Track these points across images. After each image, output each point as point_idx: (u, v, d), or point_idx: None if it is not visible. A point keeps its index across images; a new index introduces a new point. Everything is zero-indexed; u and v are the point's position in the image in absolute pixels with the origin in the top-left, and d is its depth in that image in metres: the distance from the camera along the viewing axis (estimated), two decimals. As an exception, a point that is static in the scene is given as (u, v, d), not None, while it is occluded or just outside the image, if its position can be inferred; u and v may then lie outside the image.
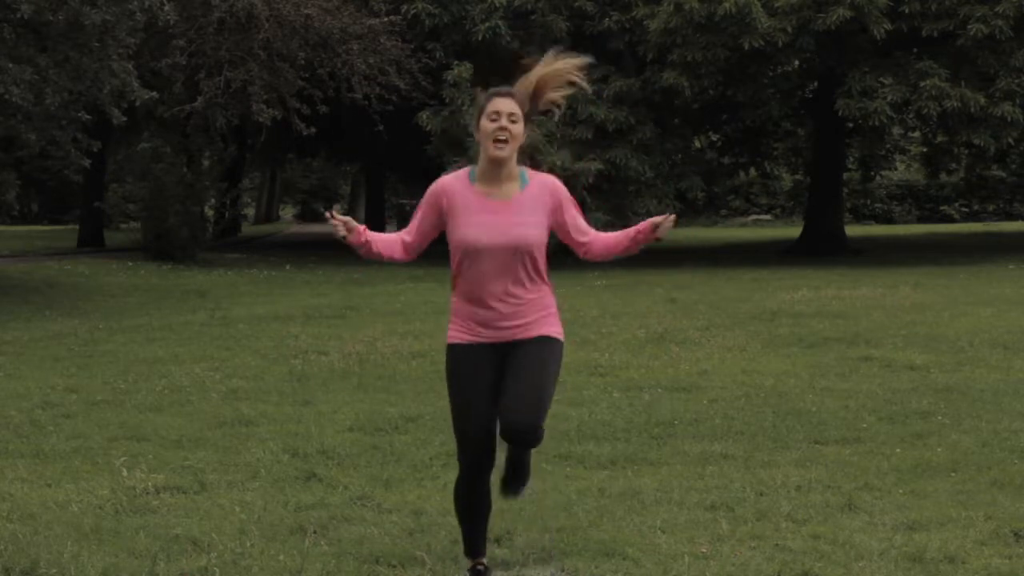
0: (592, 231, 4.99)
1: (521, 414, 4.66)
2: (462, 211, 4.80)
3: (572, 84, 5.00)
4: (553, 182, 4.92)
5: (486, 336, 4.81)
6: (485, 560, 5.05)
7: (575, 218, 4.92)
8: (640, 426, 8.08)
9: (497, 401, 4.76)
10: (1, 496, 6.32)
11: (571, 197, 4.95)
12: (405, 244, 4.95)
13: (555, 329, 4.87)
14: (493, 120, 4.74)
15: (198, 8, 25.18)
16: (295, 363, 11.23)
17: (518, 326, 4.81)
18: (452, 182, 4.87)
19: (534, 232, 4.79)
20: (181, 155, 27.92)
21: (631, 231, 4.94)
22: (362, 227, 4.86)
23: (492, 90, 4.86)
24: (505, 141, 4.74)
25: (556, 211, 4.86)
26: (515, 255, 4.77)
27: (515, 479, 4.92)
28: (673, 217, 4.86)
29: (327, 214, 4.85)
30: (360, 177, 62.04)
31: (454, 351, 4.87)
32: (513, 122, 4.76)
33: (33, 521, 5.80)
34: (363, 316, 15.54)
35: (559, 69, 4.94)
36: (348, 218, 4.84)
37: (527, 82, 4.88)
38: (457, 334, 4.87)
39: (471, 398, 4.81)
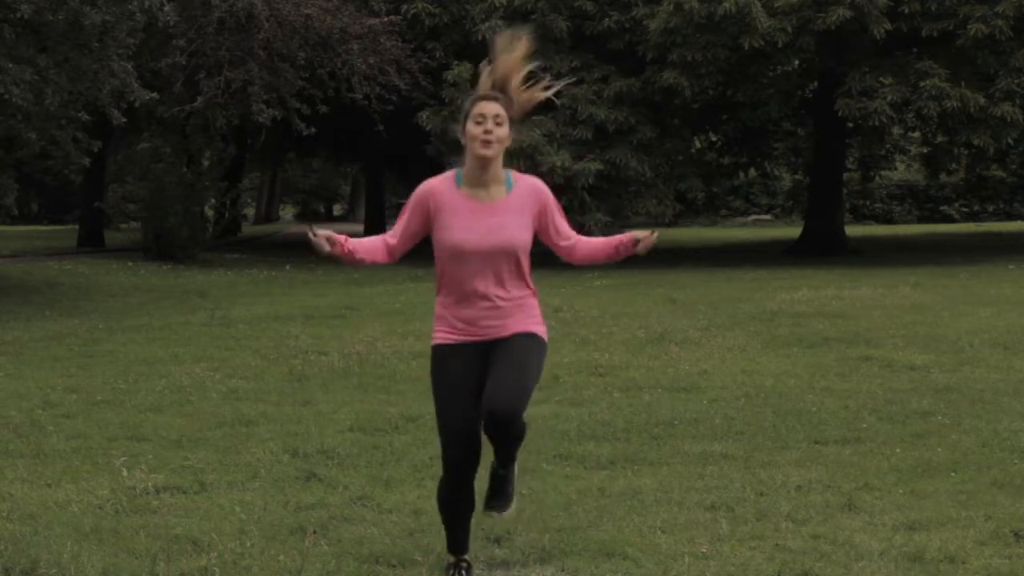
0: (574, 235, 5.02)
1: (500, 401, 4.66)
2: (448, 213, 4.81)
3: (530, 76, 4.97)
4: (538, 185, 4.93)
5: (470, 335, 4.83)
6: (468, 556, 5.06)
7: (558, 222, 4.95)
8: (640, 426, 8.08)
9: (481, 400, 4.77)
10: (1, 496, 6.32)
11: (555, 200, 4.97)
12: (389, 247, 4.96)
13: (539, 328, 4.90)
14: (479, 123, 4.76)
15: (198, 8, 25.18)
16: (295, 363, 11.23)
17: (502, 326, 4.82)
18: (438, 185, 4.89)
19: (519, 234, 4.81)
20: (181, 155, 27.91)
21: (613, 241, 4.98)
22: (343, 237, 4.87)
23: (477, 93, 4.87)
24: (491, 143, 4.75)
25: (541, 214, 4.89)
26: (500, 257, 4.79)
27: (498, 496, 4.93)
28: (655, 235, 4.89)
29: (309, 233, 4.86)
30: (360, 177, 62.06)
31: (439, 351, 4.89)
32: (499, 124, 4.77)
33: (33, 521, 5.81)
34: (363, 316, 15.54)
35: (509, 59, 4.90)
36: (329, 232, 4.85)
37: (492, 81, 4.88)
38: (442, 335, 4.89)
39: (456, 397, 4.82)
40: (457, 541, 5.05)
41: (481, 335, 4.83)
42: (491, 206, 4.81)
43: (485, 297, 4.81)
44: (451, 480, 4.93)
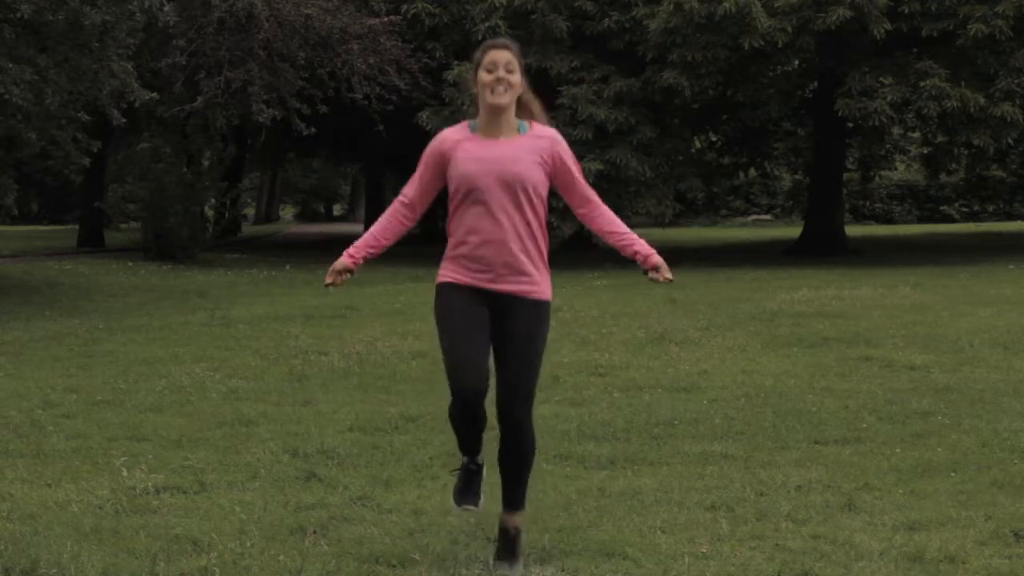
0: (597, 201, 4.99)
1: (514, 409, 4.78)
2: (461, 152, 4.82)
3: None
4: (553, 133, 4.94)
5: (478, 280, 4.81)
6: (479, 458, 5.06)
7: (575, 175, 4.94)
8: (640, 426, 8.08)
9: (487, 336, 4.80)
10: (1, 496, 6.31)
11: (572, 153, 4.96)
12: (406, 205, 4.95)
13: (547, 288, 4.89)
14: (490, 71, 4.78)
15: (198, 8, 25.18)
16: (295, 363, 11.23)
17: (511, 275, 4.80)
18: (452, 133, 4.93)
19: (531, 169, 4.80)
20: (181, 155, 27.90)
21: (633, 245, 4.95)
22: (350, 260, 4.90)
23: (487, 42, 4.89)
24: (503, 91, 4.75)
25: (555, 161, 4.87)
26: (512, 191, 4.77)
27: (507, 553, 5.03)
28: (669, 277, 4.89)
29: (328, 288, 4.91)
30: (360, 177, 62.05)
31: (444, 288, 4.87)
32: (510, 72, 4.79)
33: (33, 521, 5.80)
34: (363, 316, 15.54)
35: None
36: (339, 265, 4.89)
37: None
38: (448, 274, 4.88)
39: (462, 329, 4.79)
40: (469, 446, 5.04)
41: (489, 281, 4.80)
42: (505, 142, 4.82)
43: (496, 236, 4.77)
44: (460, 407, 4.87)
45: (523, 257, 4.81)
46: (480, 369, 4.77)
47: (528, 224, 4.82)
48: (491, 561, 5.07)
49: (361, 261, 4.92)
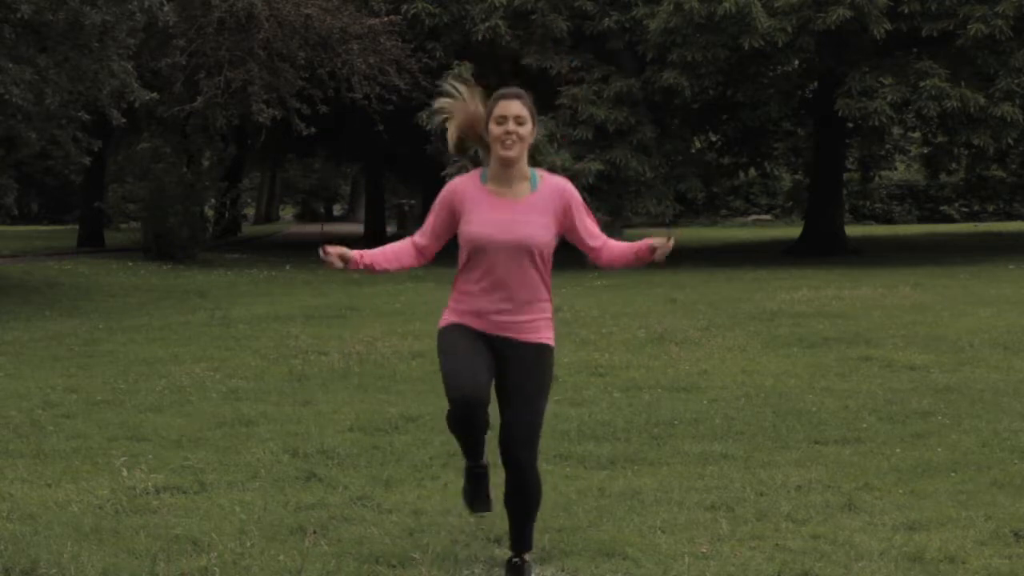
0: (603, 237, 5.01)
1: (514, 448, 4.81)
2: (472, 209, 4.85)
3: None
4: (564, 185, 4.95)
5: (482, 327, 4.84)
6: (484, 460, 5.03)
7: (585, 222, 4.96)
8: (640, 426, 8.08)
9: (489, 367, 4.80)
10: (1, 496, 6.32)
11: (582, 201, 4.98)
12: (418, 248, 5.01)
13: (548, 335, 4.93)
14: (500, 124, 4.79)
15: (198, 8, 25.18)
16: (295, 363, 11.22)
17: (515, 324, 4.84)
18: (464, 183, 4.93)
19: (541, 232, 4.83)
20: (181, 155, 27.90)
21: (633, 247, 4.96)
22: (358, 254, 4.89)
23: (499, 92, 4.91)
24: (512, 144, 4.76)
25: (566, 214, 4.90)
26: (521, 253, 4.81)
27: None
28: (671, 241, 4.87)
29: (320, 250, 4.86)
30: (360, 177, 62.06)
31: (448, 327, 4.90)
32: (520, 124, 4.80)
33: (33, 521, 5.80)
34: (363, 316, 15.54)
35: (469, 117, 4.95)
36: (342, 249, 4.86)
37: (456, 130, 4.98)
38: (453, 318, 4.90)
39: (463, 356, 4.77)
40: (473, 452, 5.01)
41: (492, 329, 4.84)
42: (514, 202, 4.84)
43: (501, 295, 4.82)
44: (458, 412, 4.79)
45: (527, 308, 4.86)
46: (478, 377, 4.77)
47: (533, 278, 4.87)
48: None
49: (362, 266, 4.92)
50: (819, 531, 5.59)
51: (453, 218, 4.90)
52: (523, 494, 4.91)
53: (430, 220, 4.98)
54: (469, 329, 4.86)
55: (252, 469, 6.91)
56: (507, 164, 4.82)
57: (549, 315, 4.96)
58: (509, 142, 4.77)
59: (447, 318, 4.93)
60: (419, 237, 5.01)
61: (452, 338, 4.87)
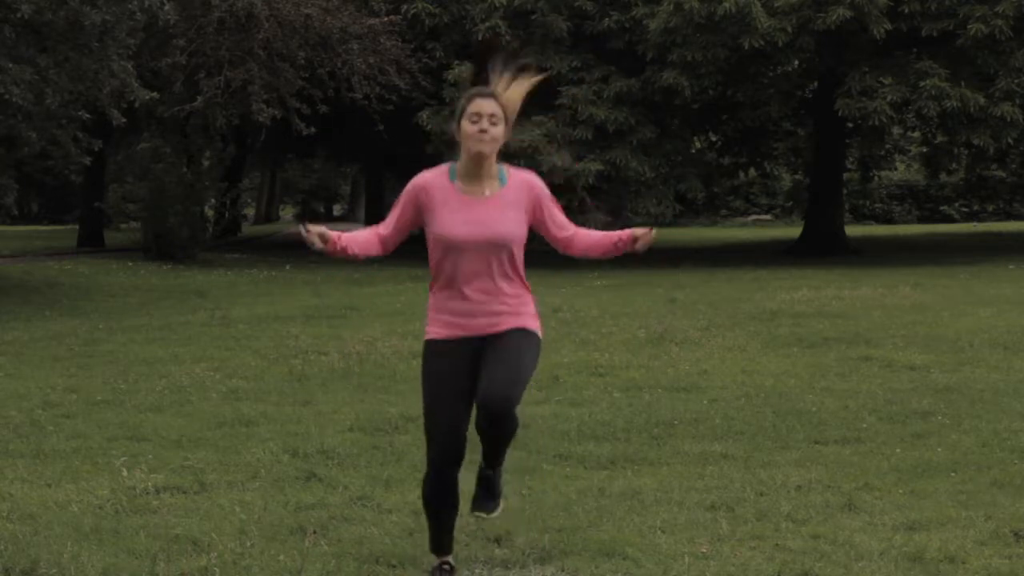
0: (572, 227, 5.00)
1: (494, 396, 4.64)
2: (441, 207, 4.81)
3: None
4: (531, 179, 4.92)
5: (462, 329, 4.81)
6: (451, 559, 5.04)
7: (553, 213, 4.95)
8: (640, 426, 8.08)
9: (469, 404, 4.79)
10: (1, 496, 6.31)
11: (549, 193, 4.96)
12: (382, 238, 4.97)
13: (533, 323, 4.88)
14: (474, 122, 4.74)
15: (198, 8, 25.17)
16: (295, 363, 11.22)
17: (495, 321, 4.81)
18: (432, 179, 4.88)
19: (512, 228, 4.80)
20: (181, 155, 27.89)
21: (612, 236, 4.96)
22: (336, 234, 4.86)
23: (473, 90, 4.86)
24: (485, 141, 4.74)
25: (535, 207, 4.88)
26: (492, 250, 4.79)
27: (486, 497, 4.94)
28: (653, 232, 4.88)
29: (302, 228, 4.85)
30: (360, 177, 62.06)
31: (430, 347, 4.88)
32: (494, 124, 4.76)
33: (33, 521, 5.80)
34: (363, 316, 15.54)
35: (515, 96, 4.92)
36: (322, 228, 4.83)
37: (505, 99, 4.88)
38: (434, 329, 4.88)
39: (444, 397, 4.81)
40: (440, 542, 5.02)
41: (473, 329, 4.81)
42: (484, 200, 4.81)
43: (478, 291, 4.80)
44: (435, 477, 4.89)
45: (506, 299, 4.84)
46: (458, 433, 4.79)
47: (507, 274, 4.85)
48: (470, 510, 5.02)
49: (339, 248, 4.86)
50: (819, 531, 5.59)
51: (418, 213, 4.86)
52: (499, 430, 4.77)
53: (395, 213, 4.94)
54: (451, 352, 4.80)
55: (252, 469, 6.91)
56: (478, 162, 4.78)
57: (531, 307, 4.92)
58: (483, 138, 4.75)
59: (430, 329, 4.90)
60: (383, 228, 4.98)
61: (434, 372, 4.84)
